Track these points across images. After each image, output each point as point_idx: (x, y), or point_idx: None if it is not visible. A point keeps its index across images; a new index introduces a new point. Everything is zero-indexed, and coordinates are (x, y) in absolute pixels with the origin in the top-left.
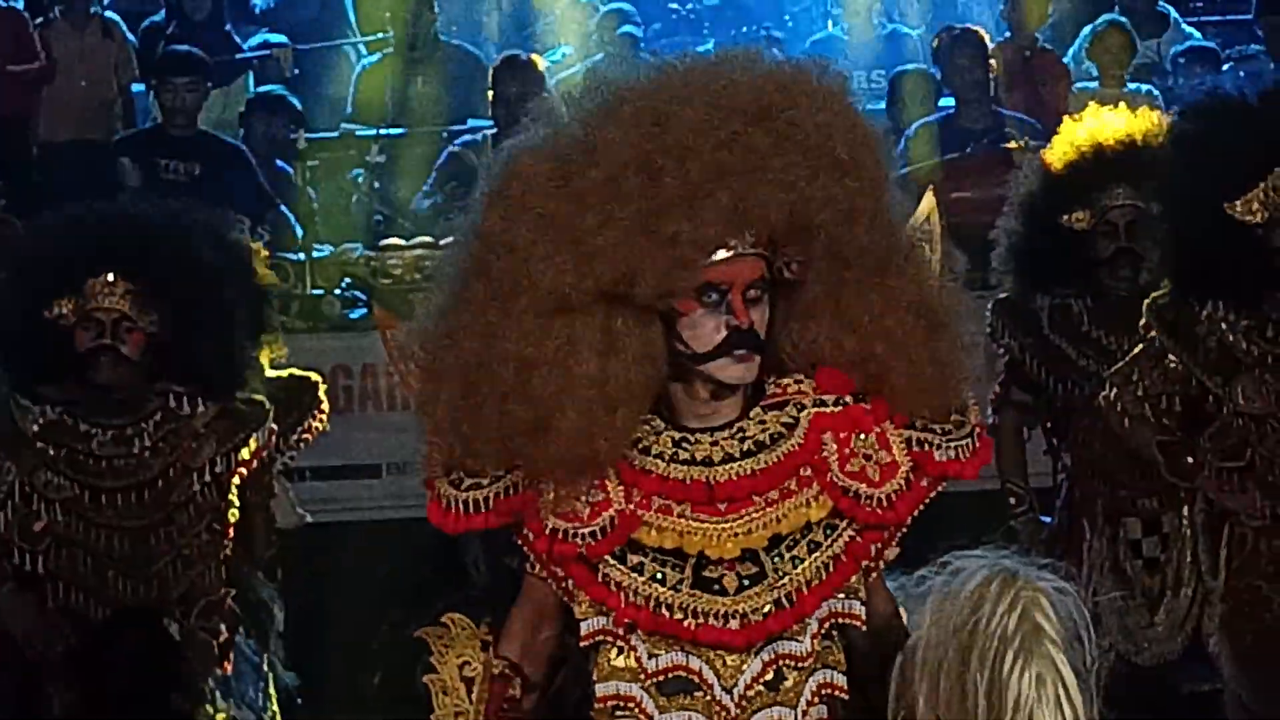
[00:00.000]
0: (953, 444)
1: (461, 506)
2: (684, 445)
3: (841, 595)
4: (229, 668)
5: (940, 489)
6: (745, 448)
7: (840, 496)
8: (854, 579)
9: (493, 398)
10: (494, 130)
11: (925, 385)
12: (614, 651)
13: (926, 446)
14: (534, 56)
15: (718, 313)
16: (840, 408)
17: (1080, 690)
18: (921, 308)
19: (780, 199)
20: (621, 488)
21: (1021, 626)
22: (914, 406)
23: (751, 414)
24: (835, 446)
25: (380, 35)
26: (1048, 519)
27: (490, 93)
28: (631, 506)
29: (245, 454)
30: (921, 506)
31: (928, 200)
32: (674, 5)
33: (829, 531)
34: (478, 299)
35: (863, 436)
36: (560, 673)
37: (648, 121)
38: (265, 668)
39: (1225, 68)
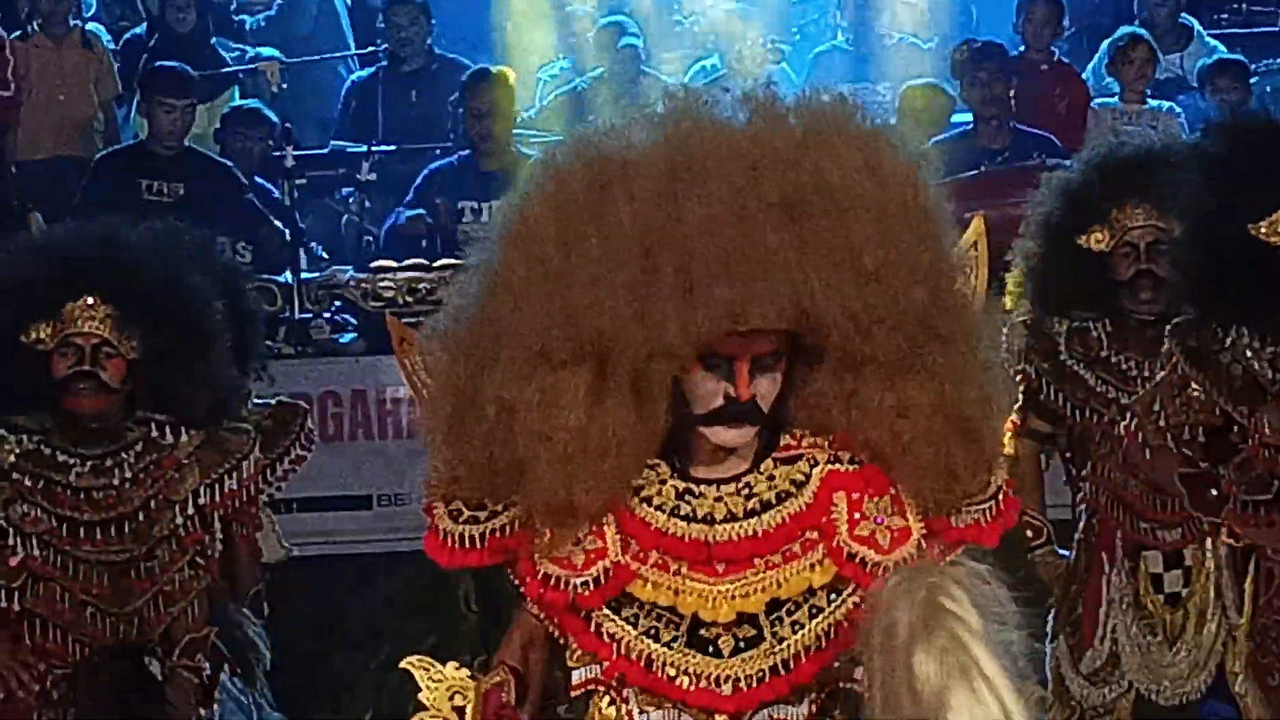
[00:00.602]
0: (973, 509)
1: (456, 541)
2: (687, 498)
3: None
4: (214, 708)
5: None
6: (749, 506)
7: (845, 563)
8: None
9: (478, 432)
10: (467, 151)
11: (932, 488)
12: (605, 700)
13: (944, 512)
14: (505, 70)
15: (720, 379)
16: (855, 467)
17: (997, 662)
18: (949, 410)
19: (783, 303)
20: (619, 537)
21: (924, 611)
22: (918, 500)
23: (762, 467)
24: (846, 508)
25: (372, 49)
26: (1066, 552)
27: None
28: (627, 558)
29: (230, 485)
30: None
31: (976, 226)
32: (678, 18)
33: (833, 597)
34: (475, 326)
35: (876, 499)
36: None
37: (659, 198)
38: (251, 707)
39: (1253, 81)
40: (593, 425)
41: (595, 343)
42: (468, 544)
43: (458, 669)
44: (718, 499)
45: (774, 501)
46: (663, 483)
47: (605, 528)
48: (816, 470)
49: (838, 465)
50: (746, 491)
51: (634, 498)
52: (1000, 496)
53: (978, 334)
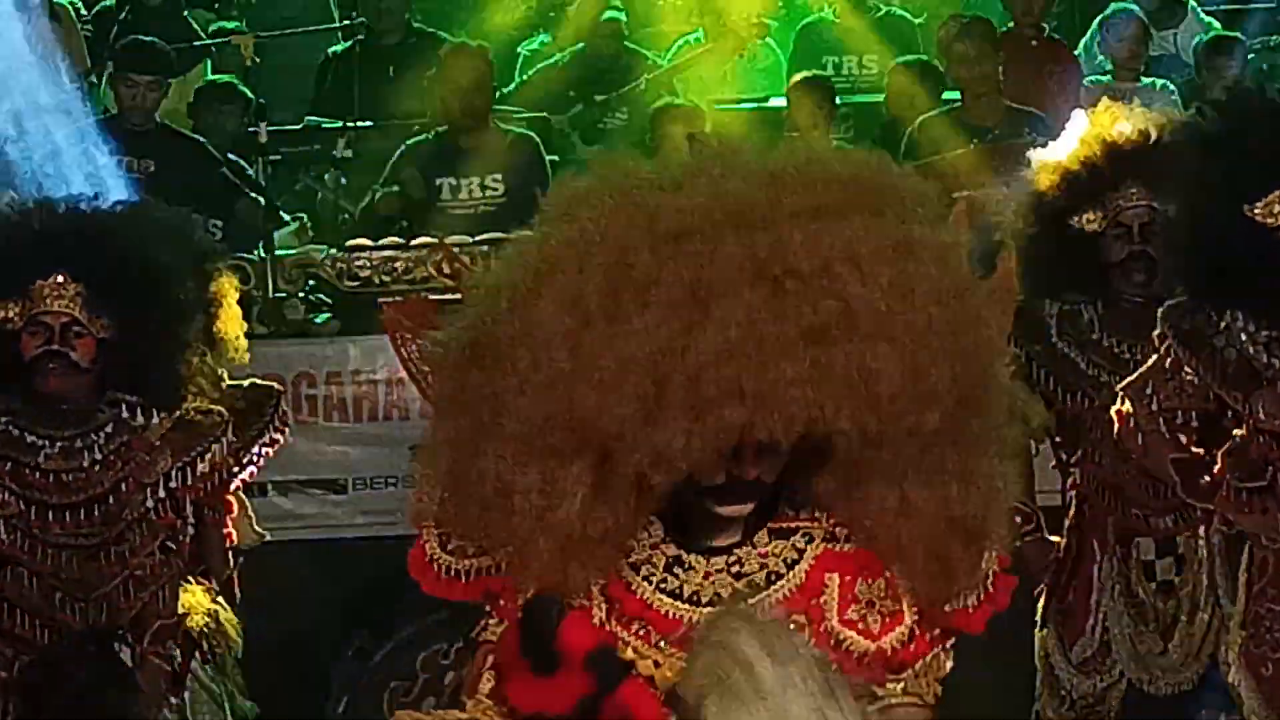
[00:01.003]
0: (963, 598)
1: (442, 570)
2: (675, 571)
3: None
4: (184, 695)
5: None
6: (737, 589)
7: (830, 648)
8: None
9: (473, 496)
10: (444, 127)
11: (926, 585)
12: None
13: (936, 604)
14: (484, 44)
15: (723, 457)
16: (851, 546)
17: (759, 678)
18: (953, 512)
19: (792, 427)
20: (604, 601)
21: (700, 639)
22: (910, 591)
23: (755, 539)
24: (838, 590)
25: (348, 22)
26: (1056, 539)
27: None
28: (611, 623)
29: (202, 468)
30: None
31: (1006, 263)
32: None
33: None
34: (479, 381)
35: (870, 582)
36: None
37: (675, 317)
38: (223, 695)
39: (1249, 58)
40: (593, 514)
41: (598, 442)
42: (453, 575)
43: (444, 714)
44: (706, 576)
45: (762, 585)
46: (654, 547)
47: (592, 586)
48: (811, 547)
49: (833, 544)
50: (737, 569)
51: (624, 561)
52: (990, 578)
53: (996, 429)
